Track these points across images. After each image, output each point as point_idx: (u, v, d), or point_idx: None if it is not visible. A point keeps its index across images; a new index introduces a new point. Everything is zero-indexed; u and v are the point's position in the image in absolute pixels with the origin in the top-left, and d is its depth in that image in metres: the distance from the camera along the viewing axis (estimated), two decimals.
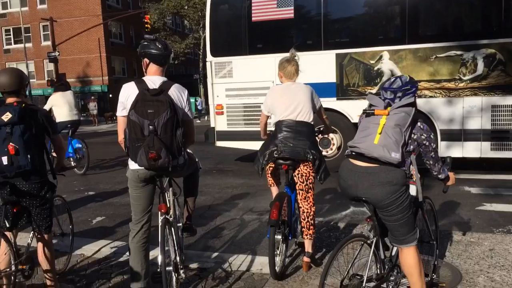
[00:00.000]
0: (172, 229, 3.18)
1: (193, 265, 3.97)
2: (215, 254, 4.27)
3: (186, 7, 32.05)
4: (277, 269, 3.58)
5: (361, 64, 7.82)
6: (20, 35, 37.15)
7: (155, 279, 3.14)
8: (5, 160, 3.02)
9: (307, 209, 3.79)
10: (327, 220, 5.27)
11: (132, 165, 3.08)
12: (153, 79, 3.08)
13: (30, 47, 37.92)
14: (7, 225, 3.10)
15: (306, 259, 3.76)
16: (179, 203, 3.53)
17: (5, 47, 40.35)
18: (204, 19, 30.20)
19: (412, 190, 2.87)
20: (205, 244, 4.63)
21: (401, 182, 2.59)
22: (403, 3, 7.60)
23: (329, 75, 7.99)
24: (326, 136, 8.20)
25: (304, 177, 3.76)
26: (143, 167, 2.99)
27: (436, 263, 3.47)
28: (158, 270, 3.03)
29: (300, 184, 3.78)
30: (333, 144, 8.27)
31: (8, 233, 3.14)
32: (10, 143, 3.02)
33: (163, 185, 3.27)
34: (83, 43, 36.28)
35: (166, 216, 3.12)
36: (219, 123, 8.83)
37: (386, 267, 2.86)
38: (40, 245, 3.36)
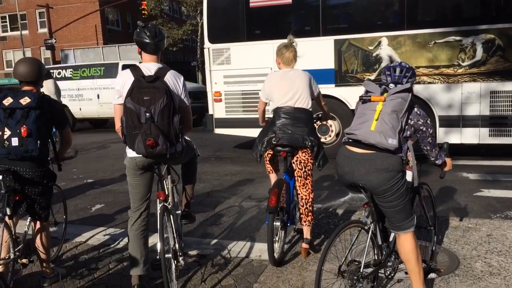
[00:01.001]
0: (171, 216, 3.19)
1: (192, 252, 3.99)
2: (214, 241, 4.29)
3: None
4: (275, 255, 3.60)
5: (360, 50, 7.78)
6: (16, 22, 36.85)
7: (154, 267, 3.16)
8: (15, 141, 3.07)
9: (306, 195, 3.80)
10: (325, 207, 5.29)
11: (130, 153, 3.07)
12: (149, 65, 3.06)
13: (26, 34, 37.60)
14: (8, 213, 3.15)
15: (304, 245, 3.79)
16: (177, 190, 3.53)
17: (1, 34, 40.01)
18: (201, 5, 29.95)
19: (409, 176, 2.88)
20: (204, 231, 4.65)
21: (398, 169, 2.60)
22: None
23: (328, 62, 7.95)
24: (324, 122, 8.19)
25: (302, 164, 3.77)
26: (141, 155, 2.98)
27: (433, 248, 3.49)
28: (157, 257, 3.04)
29: (298, 171, 3.79)
30: (332, 131, 8.27)
31: (8, 221, 3.17)
32: (24, 126, 3.08)
33: (162, 172, 3.27)
34: (80, 30, 35.97)
35: (165, 204, 3.11)
36: (217, 110, 8.81)
37: (384, 252, 2.88)
38: (37, 233, 3.40)
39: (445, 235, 4.16)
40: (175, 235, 3.18)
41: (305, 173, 3.79)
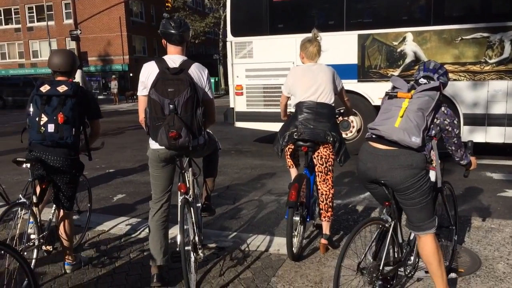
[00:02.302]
0: (191, 209, 3.20)
1: (211, 244, 4.02)
2: (233, 234, 4.32)
3: None
4: (294, 250, 3.61)
5: (384, 45, 7.68)
6: (42, 13, 37.57)
7: (174, 259, 3.20)
8: (51, 127, 3.15)
9: (326, 191, 3.79)
10: (345, 203, 5.27)
11: (153, 145, 3.10)
12: (174, 58, 3.08)
13: (52, 25, 38.28)
14: (35, 200, 3.26)
15: (323, 241, 3.78)
16: (198, 183, 3.56)
17: (28, 24, 40.82)
18: None
19: (432, 175, 2.83)
20: (223, 224, 4.69)
21: (421, 166, 2.56)
22: None
23: (351, 57, 7.87)
24: (346, 118, 8.13)
25: (323, 159, 3.76)
26: (163, 147, 3.01)
27: (455, 248, 3.44)
28: (177, 249, 3.08)
29: (319, 166, 3.78)
30: (353, 127, 8.20)
31: (34, 208, 3.28)
32: (61, 112, 3.16)
33: (183, 165, 3.29)
34: (105, 22, 36.44)
35: (186, 196, 3.13)
36: (239, 103, 8.83)
37: (404, 251, 2.85)
38: (60, 221, 3.50)
39: (467, 235, 4.09)
40: (195, 227, 3.21)
41: (326, 169, 3.78)
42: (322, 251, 3.78)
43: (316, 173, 3.82)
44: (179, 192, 3.13)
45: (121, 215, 4.95)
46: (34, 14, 40.38)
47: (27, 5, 40.41)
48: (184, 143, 2.90)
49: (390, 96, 2.70)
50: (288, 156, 4.03)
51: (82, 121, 3.42)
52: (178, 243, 2.98)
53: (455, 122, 2.71)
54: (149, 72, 3.04)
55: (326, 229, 3.80)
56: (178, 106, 2.84)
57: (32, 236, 3.37)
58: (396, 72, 7.60)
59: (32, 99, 3.23)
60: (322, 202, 3.79)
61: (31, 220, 3.29)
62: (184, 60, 3.07)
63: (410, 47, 7.51)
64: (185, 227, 3.10)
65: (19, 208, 3.24)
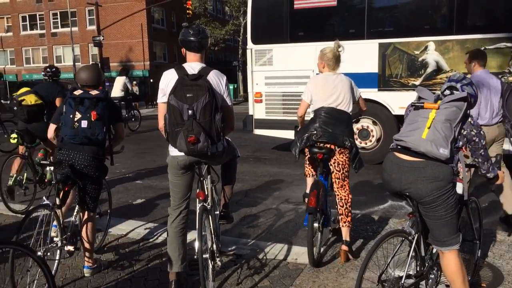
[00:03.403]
0: (210, 216, 3.21)
1: (229, 251, 4.02)
2: (251, 241, 4.32)
3: None
4: (314, 256, 3.62)
5: (405, 54, 7.61)
6: (66, 19, 38.31)
7: (191, 267, 3.22)
8: (84, 123, 3.41)
9: (345, 196, 3.83)
10: (364, 213, 5.21)
11: (172, 152, 3.13)
12: (193, 65, 3.12)
13: (76, 31, 39.03)
14: (58, 203, 3.40)
15: (344, 247, 3.77)
16: (216, 190, 3.57)
17: (52, 30, 41.70)
18: (245, 5, 30.20)
19: (459, 188, 2.77)
20: (241, 231, 4.68)
21: (448, 179, 2.52)
22: None
23: (371, 65, 7.82)
24: (366, 127, 8.08)
25: (340, 166, 3.82)
26: (182, 153, 3.03)
27: (477, 262, 3.37)
28: (195, 257, 3.08)
29: (336, 173, 3.83)
30: (373, 136, 8.12)
31: (57, 210, 3.40)
32: (94, 111, 3.43)
33: (202, 172, 3.30)
34: (126, 28, 37.00)
35: (204, 204, 3.15)
36: (258, 111, 8.84)
37: (426, 264, 2.80)
38: (84, 223, 3.59)
39: (489, 249, 4.00)
40: (213, 235, 3.21)
41: (343, 175, 3.84)
42: (342, 259, 3.76)
43: (333, 180, 3.88)
44: (197, 200, 3.15)
45: (140, 220, 5.00)
46: (58, 20, 41.25)
47: (52, 11, 41.32)
48: (202, 148, 2.90)
49: (416, 106, 2.66)
50: (307, 165, 4.05)
51: (110, 124, 3.64)
52: (196, 250, 2.99)
53: (482, 133, 2.65)
54: (168, 79, 3.09)
55: (346, 235, 3.80)
56: (197, 111, 2.86)
57: (55, 238, 3.44)
58: (418, 82, 7.53)
59: (66, 102, 3.49)
60: (342, 207, 3.81)
61: (54, 221, 3.39)
62: (203, 67, 3.10)
63: (432, 56, 7.43)
64: (203, 232, 3.11)
65: (43, 210, 3.35)
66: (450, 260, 2.64)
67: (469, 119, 2.64)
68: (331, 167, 3.86)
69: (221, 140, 3.14)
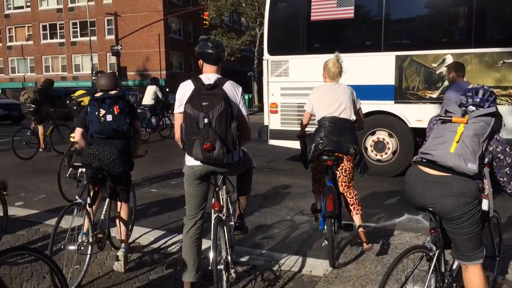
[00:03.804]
0: (225, 227, 3.22)
1: (243, 261, 4.02)
2: (265, 252, 4.31)
3: (244, 4, 32.35)
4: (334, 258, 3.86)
5: (422, 67, 7.57)
6: (86, 29, 39.03)
7: (206, 278, 3.23)
8: (109, 117, 3.81)
9: (352, 193, 4.21)
10: (380, 227, 5.16)
11: (188, 161, 3.18)
12: (209, 76, 3.19)
13: (94, 40, 39.71)
14: (89, 202, 3.74)
15: (361, 229, 4.04)
16: (231, 201, 3.57)
17: (72, 39, 42.50)
18: (261, 16, 30.42)
19: (484, 204, 2.72)
20: (255, 242, 4.67)
21: (475, 195, 2.47)
22: (470, 4, 7.27)
23: (388, 77, 7.79)
24: (381, 140, 8.03)
25: (347, 171, 4.17)
26: (198, 163, 3.07)
27: (496, 279, 3.31)
28: (210, 268, 3.09)
29: (343, 178, 4.18)
30: (389, 149, 8.06)
31: (88, 209, 3.73)
32: (116, 105, 3.83)
33: (218, 182, 3.31)
34: (144, 38, 37.53)
35: (219, 214, 3.17)
36: (273, 121, 8.86)
37: (446, 280, 2.76)
38: (120, 213, 3.98)
39: (509, 265, 3.93)
40: (228, 246, 3.21)
41: (349, 179, 4.19)
42: (364, 239, 3.95)
43: (340, 183, 4.18)
44: (212, 210, 3.17)
45: (155, 229, 5.03)
46: (78, 29, 42.04)
47: (72, 21, 42.15)
48: (218, 156, 2.93)
49: (443, 120, 2.62)
50: (315, 182, 4.43)
51: (130, 123, 3.98)
52: (211, 261, 2.99)
53: (508, 150, 2.60)
54: (184, 90, 3.15)
55: (360, 221, 4.11)
56: (213, 119, 2.91)
57: (85, 235, 3.73)
58: (435, 95, 7.47)
59: (89, 104, 3.92)
60: (352, 198, 4.17)
61: (86, 219, 3.72)
62: (218, 78, 3.17)
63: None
64: (218, 244, 3.11)
65: (76, 208, 3.66)
66: (474, 274, 2.61)
67: (496, 135, 2.60)
68: (338, 172, 4.14)
69: (237, 149, 3.16)
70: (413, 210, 5.70)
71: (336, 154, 4.02)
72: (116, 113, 3.80)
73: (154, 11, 36.77)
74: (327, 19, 8.25)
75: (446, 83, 7.39)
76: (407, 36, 8.09)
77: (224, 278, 3.15)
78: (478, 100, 2.63)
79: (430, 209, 2.57)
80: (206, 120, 2.90)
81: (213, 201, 3.21)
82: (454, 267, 2.84)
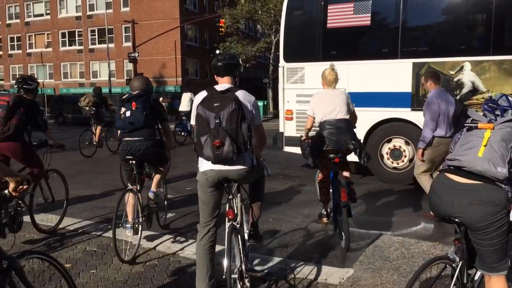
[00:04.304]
0: (239, 235, 3.22)
1: (258, 269, 4.00)
2: (280, 259, 4.29)
3: (259, 12, 32.48)
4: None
5: (440, 74, 7.48)
6: (103, 36, 39.62)
7: (220, 286, 3.21)
8: (128, 113, 4.41)
9: (349, 176, 4.97)
10: (396, 235, 5.09)
11: (201, 167, 3.20)
12: (222, 85, 3.26)
13: (112, 47, 40.24)
14: (138, 188, 4.54)
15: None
16: (246, 209, 3.56)
17: (90, 46, 43.16)
18: (276, 23, 30.49)
19: None
20: (270, 249, 4.65)
21: (504, 204, 2.41)
22: (489, 10, 7.19)
23: (405, 85, 7.73)
24: (398, 147, 7.96)
25: (348, 165, 4.96)
26: (211, 168, 3.11)
27: None
28: (223, 277, 3.08)
29: (346, 170, 4.93)
30: (405, 156, 7.98)
31: (138, 195, 4.49)
32: (134, 102, 4.42)
33: (232, 190, 3.32)
34: (161, 45, 37.91)
35: (233, 223, 3.17)
36: (288, 128, 8.85)
37: None
38: (156, 176, 4.88)
39: None
40: (242, 255, 3.20)
41: (349, 169, 5.01)
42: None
43: (340, 173, 4.81)
44: (226, 218, 3.18)
45: (170, 234, 5.05)
46: (96, 36, 42.69)
47: (90, 28, 42.84)
48: (228, 153, 2.94)
49: (469, 127, 2.58)
50: (323, 194, 5.07)
51: (154, 117, 4.57)
52: (225, 270, 2.99)
53: None
54: (199, 98, 3.19)
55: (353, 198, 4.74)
56: (223, 119, 2.95)
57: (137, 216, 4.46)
58: None
59: (117, 105, 4.61)
60: (353, 185, 4.83)
61: (137, 203, 4.47)
62: (231, 86, 3.24)
63: (468, 77, 7.29)
64: (232, 252, 3.11)
65: (129, 194, 4.43)
66: (498, 285, 2.56)
67: None
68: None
69: (249, 153, 3.18)
70: (429, 220, 5.62)
71: (341, 151, 4.64)
72: (133, 108, 4.37)
73: (171, 18, 37.15)
74: (343, 26, 8.23)
75: (464, 90, 7.33)
76: (424, 43, 8.02)
77: (238, 287, 3.14)
78: (504, 109, 2.59)
79: (456, 220, 2.52)
80: (217, 121, 2.95)
81: (227, 209, 3.22)
82: (476, 277, 2.79)
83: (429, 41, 7.96)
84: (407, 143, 7.91)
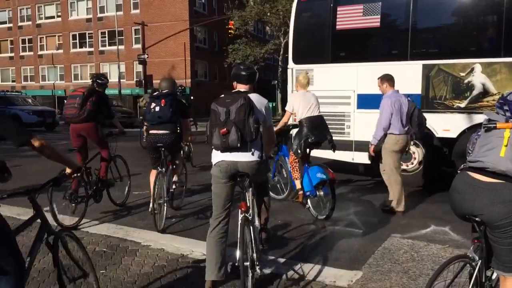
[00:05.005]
0: (251, 227, 3.39)
1: (266, 270, 4.00)
2: (289, 261, 4.28)
3: (268, 14, 32.49)
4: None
5: (450, 76, 7.45)
6: (114, 38, 39.89)
7: (232, 270, 3.37)
8: (157, 108, 5.32)
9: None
10: (405, 237, 5.06)
11: (214, 159, 3.46)
12: (240, 90, 3.60)
13: (122, 49, 40.46)
14: (165, 171, 5.43)
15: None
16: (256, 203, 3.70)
17: (100, 48, 43.46)
18: (285, 25, 30.48)
19: None
20: (278, 251, 4.64)
21: None
22: (500, 12, 7.13)
23: (414, 87, 7.67)
24: (408, 150, 7.91)
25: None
26: (223, 159, 3.38)
27: None
28: (236, 264, 3.26)
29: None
30: (415, 159, 7.93)
31: (165, 177, 5.41)
32: (163, 99, 5.36)
33: (245, 184, 3.52)
34: (170, 47, 38.04)
35: (246, 214, 3.36)
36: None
37: None
38: (175, 166, 5.87)
39: None
40: (253, 244, 3.36)
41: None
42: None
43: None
44: (239, 211, 3.37)
45: (179, 235, 5.08)
46: (106, 38, 42.97)
47: (100, 30, 43.13)
48: (233, 141, 3.24)
49: (488, 128, 2.59)
50: (295, 170, 5.97)
51: (178, 114, 5.45)
52: (237, 258, 3.22)
53: None
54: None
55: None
56: (232, 112, 3.29)
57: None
58: (463, 104, 7.33)
59: (149, 101, 5.51)
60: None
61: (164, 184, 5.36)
62: (247, 90, 3.57)
63: (478, 79, 7.23)
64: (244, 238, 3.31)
65: (161, 175, 5.37)
66: None
67: None
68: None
69: (257, 144, 3.42)
70: (440, 222, 5.59)
71: (320, 142, 5.81)
72: (162, 105, 5.27)
73: (180, 20, 37.28)
74: (352, 28, 8.21)
75: (474, 92, 7.27)
76: (434, 45, 7.97)
77: (250, 275, 3.29)
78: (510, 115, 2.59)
79: (477, 218, 2.53)
80: (226, 114, 3.30)
81: (240, 202, 3.42)
82: (494, 277, 2.80)
83: (439, 43, 7.90)
84: (416, 145, 7.86)
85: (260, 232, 3.80)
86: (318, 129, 5.70)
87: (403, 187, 6.08)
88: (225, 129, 3.24)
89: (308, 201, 5.78)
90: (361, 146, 7.98)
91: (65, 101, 5.93)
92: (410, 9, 7.73)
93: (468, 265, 2.61)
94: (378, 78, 6.17)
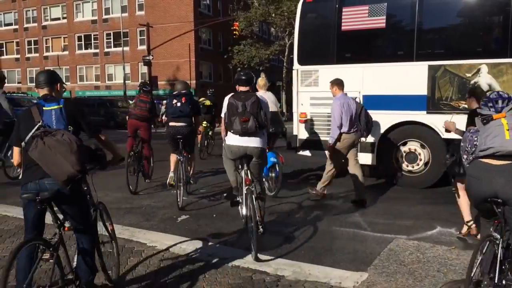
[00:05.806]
0: (253, 196, 4.43)
1: (271, 271, 4.00)
2: (293, 262, 4.27)
3: (273, 15, 32.50)
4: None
5: (456, 77, 7.41)
6: (119, 39, 40.01)
7: (233, 203, 4.80)
8: (179, 104, 6.51)
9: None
10: (411, 238, 5.04)
11: (228, 141, 4.65)
12: (244, 90, 4.77)
13: (127, 50, 40.60)
14: (183, 159, 6.44)
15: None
16: (256, 178, 4.70)
17: (105, 49, 43.63)
18: (290, 26, 30.48)
19: None
20: (283, 252, 4.63)
21: None
22: (506, 12, 7.09)
23: (420, 87, 7.65)
24: (413, 150, 7.89)
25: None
26: (235, 143, 4.55)
27: None
28: (243, 221, 4.63)
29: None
30: (420, 160, 7.89)
31: (183, 164, 6.43)
32: (183, 97, 6.56)
33: (249, 164, 4.64)
34: (175, 48, 38.12)
35: (249, 187, 4.48)
36: (302, 131, 8.82)
37: (503, 267, 2.93)
38: (189, 160, 6.85)
39: None
40: (255, 208, 4.35)
41: None
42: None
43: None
44: (244, 183, 4.51)
45: (184, 236, 5.07)
46: (111, 40, 43.13)
47: (106, 32, 43.30)
48: (252, 127, 4.42)
49: (485, 120, 2.97)
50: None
51: (193, 110, 6.66)
52: (245, 218, 4.54)
53: None
54: (228, 97, 4.70)
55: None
56: (248, 106, 4.49)
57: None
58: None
59: (169, 98, 6.85)
60: None
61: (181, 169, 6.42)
62: (249, 90, 4.78)
63: (484, 80, 7.19)
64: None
65: (180, 162, 6.41)
66: None
67: None
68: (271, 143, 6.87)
69: (264, 135, 4.68)
70: (446, 223, 5.56)
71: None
72: (183, 101, 6.50)
73: (185, 22, 37.36)
74: (358, 29, 8.19)
75: None
76: (440, 46, 7.94)
77: (254, 232, 4.28)
78: (499, 108, 3.03)
79: (497, 199, 2.80)
80: (243, 107, 4.48)
81: (244, 178, 4.55)
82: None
83: (445, 44, 7.88)
84: (422, 147, 7.84)
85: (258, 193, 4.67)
86: (273, 123, 6.44)
87: (363, 179, 6.73)
88: (246, 117, 4.40)
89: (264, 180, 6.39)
90: (365, 147, 7.98)
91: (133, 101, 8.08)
92: (415, 10, 7.70)
93: (494, 244, 2.89)
94: (330, 82, 6.74)
